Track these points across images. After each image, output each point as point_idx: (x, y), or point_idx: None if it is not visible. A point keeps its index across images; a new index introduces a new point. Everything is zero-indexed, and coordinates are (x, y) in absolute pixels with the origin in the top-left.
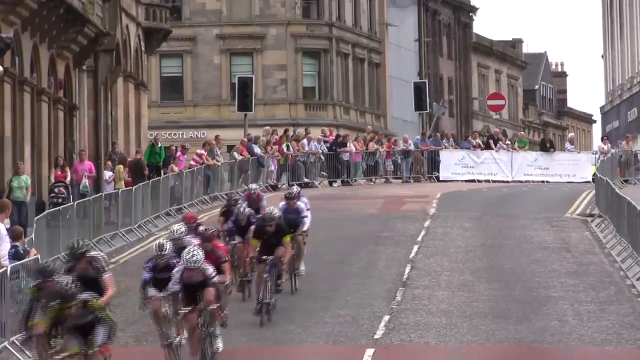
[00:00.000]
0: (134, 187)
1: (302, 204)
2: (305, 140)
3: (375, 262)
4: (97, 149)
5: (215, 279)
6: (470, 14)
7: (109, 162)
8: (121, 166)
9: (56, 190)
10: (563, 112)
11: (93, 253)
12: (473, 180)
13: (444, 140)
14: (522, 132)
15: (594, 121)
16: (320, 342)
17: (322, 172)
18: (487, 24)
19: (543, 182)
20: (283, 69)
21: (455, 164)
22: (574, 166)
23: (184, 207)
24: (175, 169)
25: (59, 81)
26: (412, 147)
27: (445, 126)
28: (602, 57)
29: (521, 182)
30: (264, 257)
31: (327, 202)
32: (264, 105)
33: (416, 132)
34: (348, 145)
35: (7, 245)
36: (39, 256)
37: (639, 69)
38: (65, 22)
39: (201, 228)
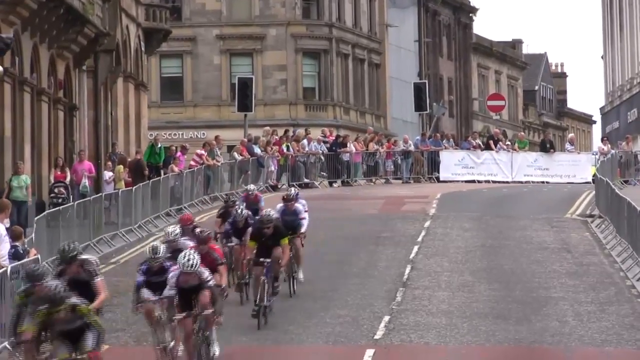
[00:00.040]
0: (134, 188)
1: (300, 205)
2: (305, 141)
3: (376, 262)
4: (97, 149)
5: (211, 282)
6: (470, 15)
7: (109, 163)
8: (121, 166)
9: (56, 190)
10: (563, 113)
11: (84, 256)
12: (473, 181)
13: (444, 141)
14: (522, 133)
15: (594, 122)
16: (320, 343)
17: (322, 173)
18: (487, 25)
19: (543, 182)
20: (283, 70)
21: (455, 164)
22: (574, 167)
23: (184, 207)
24: (175, 169)
25: (59, 81)
26: (412, 148)
27: (445, 127)
28: (602, 57)
29: (521, 182)
30: (261, 259)
31: (327, 203)
32: (264, 106)
33: (416, 132)
34: (348, 145)
35: (7, 245)
36: (39, 256)
37: (638, 70)
38: (66, 23)
39: (197, 230)
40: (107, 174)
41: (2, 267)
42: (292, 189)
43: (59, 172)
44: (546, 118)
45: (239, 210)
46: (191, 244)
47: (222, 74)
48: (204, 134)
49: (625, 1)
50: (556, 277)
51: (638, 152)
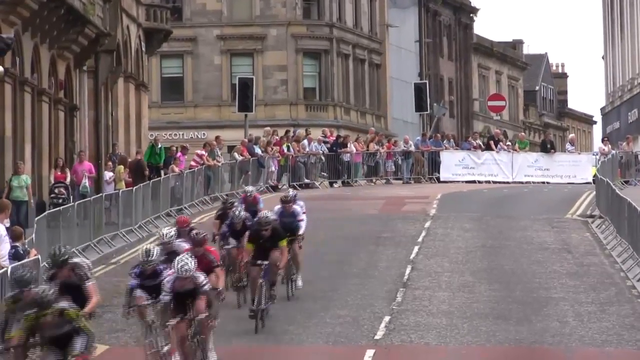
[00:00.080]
0: (135, 188)
1: (298, 207)
2: (305, 141)
3: (376, 262)
4: (98, 149)
5: (206, 287)
6: (471, 15)
7: (110, 163)
8: (122, 167)
9: (56, 191)
10: (563, 113)
11: (76, 260)
12: (473, 181)
13: (444, 141)
14: (523, 133)
15: (595, 122)
16: (321, 343)
17: (323, 173)
18: (488, 25)
19: (543, 183)
20: (283, 70)
21: (456, 164)
22: (575, 167)
23: (185, 207)
24: (176, 169)
25: (60, 82)
26: (412, 148)
27: (446, 127)
28: (603, 58)
29: (522, 183)
30: (259, 262)
31: (328, 203)
32: (264, 106)
33: (417, 133)
34: (348, 146)
35: (7, 245)
36: (39, 257)
37: (639, 70)
38: (66, 23)
39: (193, 232)
40: (108, 175)
41: (2, 268)
42: (290, 190)
43: (59, 173)
44: (547, 118)
45: (237, 212)
46: (186, 246)
47: (223, 74)
48: (204, 134)
49: (625, 1)
50: (557, 278)
51: (638, 152)
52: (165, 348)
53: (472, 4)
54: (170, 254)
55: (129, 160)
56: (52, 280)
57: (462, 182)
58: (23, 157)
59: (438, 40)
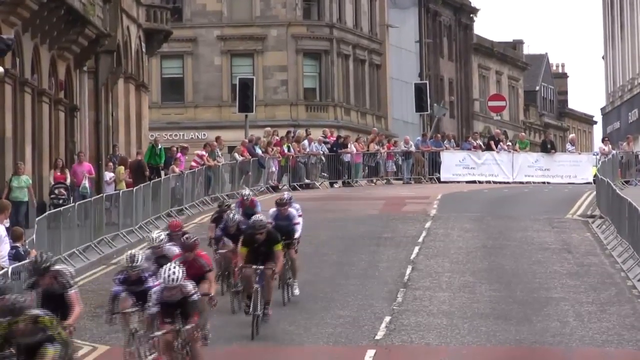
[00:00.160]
0: (135, 188)
1: (293, 210)
2: (306, 142)
3: (376, 263)
4: (98, 150)
5: (195, 296)
6: (471, 15)
7: (110, 164)
8: (122, 167)
9: (56, 191)
10: (564, 113)
11: (58, 267)
12: (474, 182)
13: (444, 142)
14: (523, 133)
15: (595, 122)
16: (321, 343)
17: (323, 174)
18: (488, 25)
19: (544, 183)
20: (284, 70)
21: (456, 165)
22: (575, 167)
23: (185, 208)
24: (176, 170)
25: (60, 82)
26: (413, 149)
27: (446, 127)
28: (603, 58)
29: (522, 183)
30: (254, 267)
31: (328, 203)
32: (264, 106)
33: (417, 133)
34: (349, 146)
35: (7, 246)
36: None
37: (639, 70)
38: (66, 23)
39: (184, 237)
40: (108, 175)
41: (3, 268)
42: (286, 192)
43: (58, 173)
44: (547, 118)
45: (231, 215)
46: (177, 250)
47: (223, 74)
48: (204, 134)
49: (625, 1)
50: (557, 278)
51: (639, 152)
52: (150, 358)
53: (472, 4)
54: (160, 258)
55: (130, 160)
56: (33, 288)
57: (463, 182)
58: (23, 158)
59: (438, 41)
